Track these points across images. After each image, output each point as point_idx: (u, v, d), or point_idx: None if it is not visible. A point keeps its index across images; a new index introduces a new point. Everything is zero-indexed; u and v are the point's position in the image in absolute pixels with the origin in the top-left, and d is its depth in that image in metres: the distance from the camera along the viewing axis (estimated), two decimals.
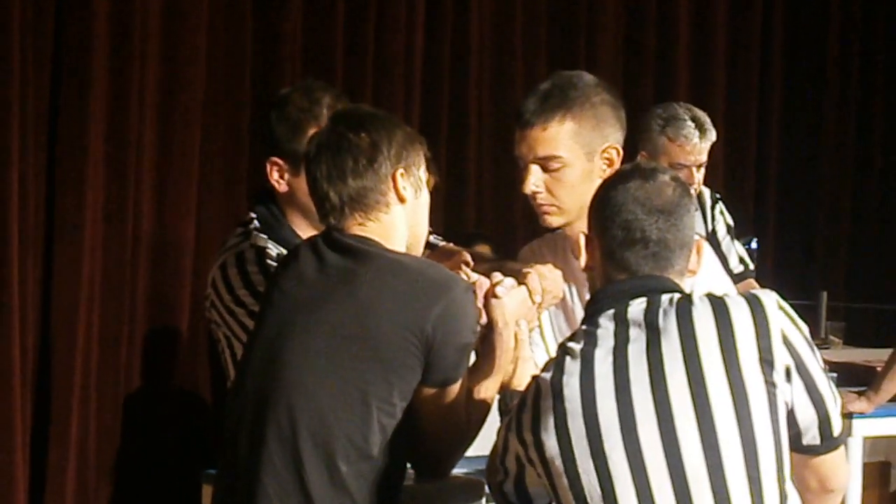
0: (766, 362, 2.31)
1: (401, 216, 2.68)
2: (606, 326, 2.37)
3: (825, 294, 6.32)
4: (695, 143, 4.36)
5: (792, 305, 2.45)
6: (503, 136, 6.56)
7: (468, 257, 2.94)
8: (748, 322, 2.33)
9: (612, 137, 2.96)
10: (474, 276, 2.81)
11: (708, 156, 4.47)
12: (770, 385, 2.31)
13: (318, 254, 2.63)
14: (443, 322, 2.54)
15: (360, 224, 2.64)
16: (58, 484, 5.35)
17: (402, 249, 2.67)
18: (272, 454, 2.54)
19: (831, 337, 6.12)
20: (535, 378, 2.42)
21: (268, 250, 3.13)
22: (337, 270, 2.60)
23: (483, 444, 2.73)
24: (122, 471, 5.52)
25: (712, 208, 4.70)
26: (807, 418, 2.37)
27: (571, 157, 2.92)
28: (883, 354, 4.32)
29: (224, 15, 5.83)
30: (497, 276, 2.81)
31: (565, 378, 2.34)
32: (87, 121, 5.40)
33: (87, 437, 5.40)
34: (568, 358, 2.37)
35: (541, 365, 2.49)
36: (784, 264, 7.48)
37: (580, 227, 2.99)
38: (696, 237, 2.50)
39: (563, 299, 3.03)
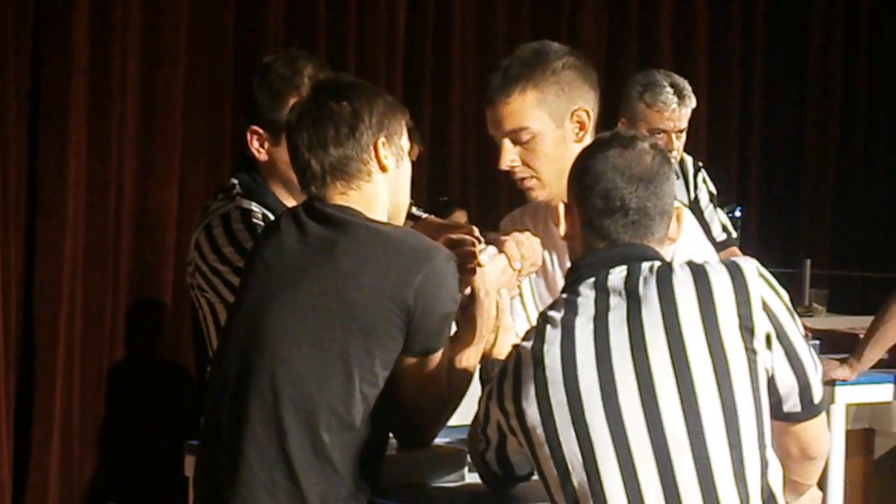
0: (747, 329, 2.31)
1: (382, 185, 2.67)
2: (587, 295, 2.36)
3: (809, 262, 6.33)
4: (673, 108, 4.34)
5: (776, 273, 2.45)
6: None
7: (476, 231, 2.92)
8: (728, 289, 2.32)
9: (581, 100, 2.93)
10: (491, 249, 2.79)
11: (690, 123, 4.46)
12: (750, 352, 2.31)
13: (299, 223, 2.63)
14: (424, 291, 2.54)
15: (341, 193, 2.63)
16: (42, 455, 5.36)
17: (383, 219, 2.66)
18: (254, 424, 2.54)
19: (815, 304, 6.13)
20: (515, 347, 2.42)
21: (254, 211, 3.12)
22: (318, 240, 2.60)
23: (465, 413, 2.73)
24: (106, 443, 5.53)
25: (695, 176, 4.69)
26: (787, 385, 2.37)
27: (540, 127, 2.91)
28: (866, 322, 4.33)
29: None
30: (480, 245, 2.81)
31: (546, 346, 2.34)
32: (68, 93, 5.38)
33: (71, 410, 5.41)
34: (549, 326, 2.36)
35: (521, 333, 2.49)
36: (768, 232, 7.50)
37: (562, 197, 2.99)
38: (677, 204, 2.49)
39: (544, 267, 3.03)
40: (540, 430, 2.32)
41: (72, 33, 5.38)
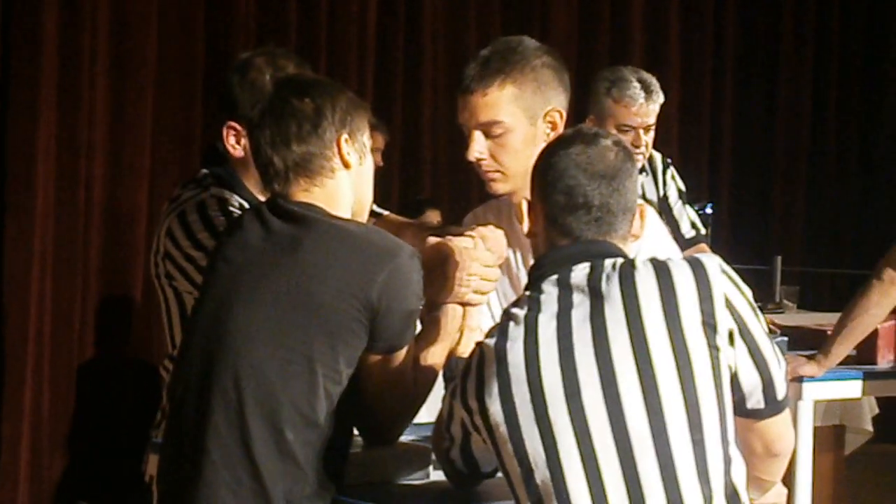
0: (709, 326, 2.31)
1: (346, 182, 2.66)
2: (550, 292, 2.36)
3: (780, 259, 6.34)
4: (640, 103, 4.34)
5: (747, 270, 2.45)
6: (457, 103, 6.55)
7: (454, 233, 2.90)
8: (691, 286, 2.32)
9: (555, 101, 2.94)
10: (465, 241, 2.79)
11: (659, 119, 4.46)
12: (713, 349, 2.31)
13: (262, 220, 2.62)
14: (388, 289, 2.53)
15: (304, 190, 2.62)
16: (11, 454, 5.33)
17: (347, 215, 2.65)
18: (218, 422, 2.53)
19: (785, 301, 6.15)
20: (479, 344, 2.41)
21: (229, 200, 3.10)
22: (281, 237, 2.59)
23: (431, 410, 2.73)
24: (75, 441, 5.51)
25: (664, 173, 4.69)
26: (750, 382, 2.37)
27: (513, 122, 2.90)
28: (835, 318, 4.33)
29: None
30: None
31: (509, 344, 2.33)
32: (37, 88, 5.36)
33: (41, 408, 5.38)
34: (511, 324, 2.36)
35: (486, 330, 2.48)
36: (740, 229, 7.51)
37: (525, 194, 2.98)
38: (640, 202, 2.49)
39: (508, 264, 3.02)
40: (503, 428, 2.32)
41: (41, 30, 5.36)
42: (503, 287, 3.07)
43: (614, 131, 4.36)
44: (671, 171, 4.70)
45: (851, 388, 4.46)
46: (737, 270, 2.42)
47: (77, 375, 5.51)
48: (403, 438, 2.79)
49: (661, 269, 2.34)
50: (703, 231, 4.80)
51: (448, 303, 2.76)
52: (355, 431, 2.69)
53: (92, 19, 5.50)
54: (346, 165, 2.65)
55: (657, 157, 4.63)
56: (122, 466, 5.47)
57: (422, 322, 2.73)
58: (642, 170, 4.47)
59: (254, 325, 2.55)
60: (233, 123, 3.13)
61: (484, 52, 2.93)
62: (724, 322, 2.33)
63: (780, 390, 2.41)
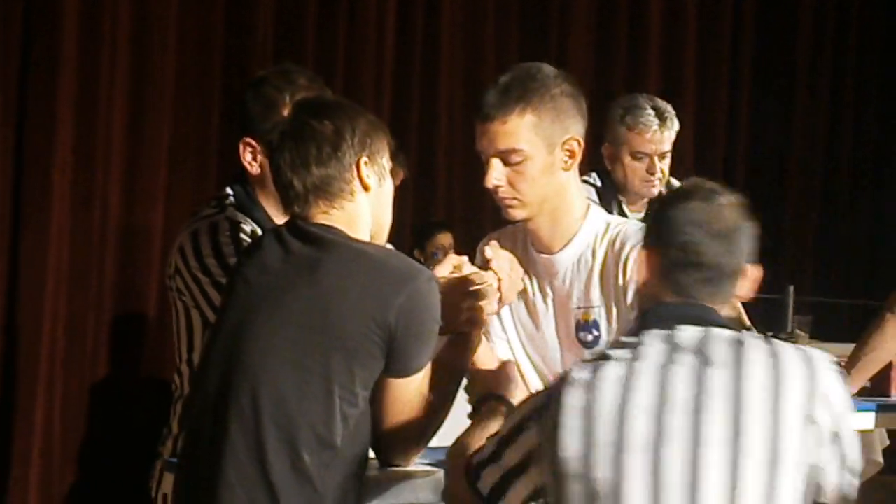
0: (810, 421, 2.28)
1: (364, 204, 2.67)
2: (653, 344, 2.33)
3: (792, 288, 6.33)
4: (654, 129, 4.32)
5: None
6: (473, 129, 6.58)
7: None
8: (800, 378, 2.29)
9: (573, 129, 2.94)
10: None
11: (675, 149, 4.44)
12: (807, 444, 2.28)
13: (281, 242, 2.63)
14: (406, 312, 2.54)
15: (324, 212, 2.63)
16: (22, 470, 5.33)
17: (366, 238, 2.66)
18: (235, 444, 2.53)
19: (798, 331, 6.13)
20: (567, 374, 2.38)
21: (242, 225, 3.11)
22: (300, 259, 2.59)
23: (445, 435, 2.72)
24: (86, 457, 5.51)
25: None
26: (832, 482, 2.34)
27: (532, 151, 2.91)
28: (848, 349, 4.33)
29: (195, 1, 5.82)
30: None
31: (601, 382, 2.31)
32: (55, 106, 5.37)
33: (52, 425, 5.39)
34: (608, 364, 2.33)
35: (502, 356, 2.47)
36: (752, 258, 7.49)
37: (542, 221, 2.99)
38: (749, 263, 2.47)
39: (524, 291, 3.03)
40: (576, 464, 2.29)
41: (59, 47, 5.38)
42: (519, 313, 3.07)
43: (629, 158, 4.36)
44: None
45: (864, 420, 4.45)
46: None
47: (89, 392, 5.51)
48: (421, 462, 2.79)
49: (774, 355, 2.32)
50: None
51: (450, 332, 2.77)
52: (371, 454, 2.70)
53: (111, 37, 5.52)
54: (366, 188, 2.66)
55: (676, 184, 4.62)
56: (133, 482, 5.46)
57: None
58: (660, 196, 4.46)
59: (272, 346, 2.56)
60: (249, 139, 3.15)
61: (504, 79, 2.94)
62: (825, 421, 2.31)
63: (853, 494, 2.39)
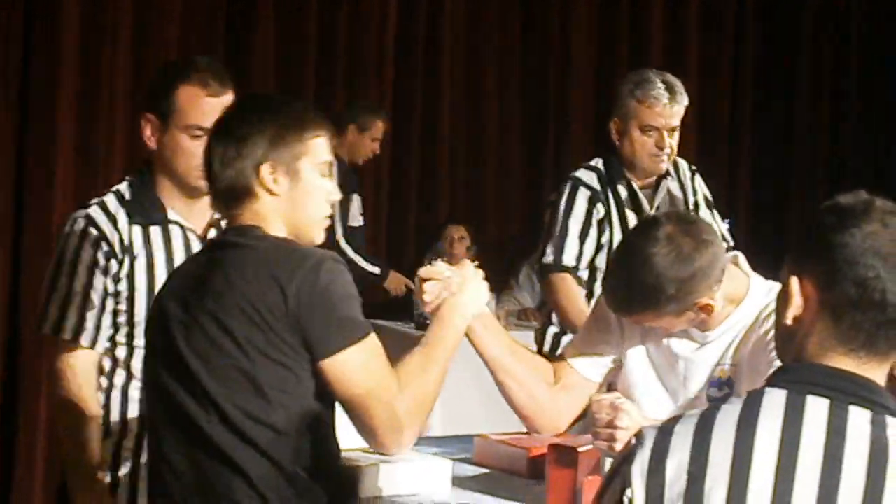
0: None
1: (272, 207, 2.65)
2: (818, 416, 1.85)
3: None
4: (664, 103, 4.28)
5: None
6: (473, 130, 6.65)
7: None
8: None
9: (706, 293, 2.96)
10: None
11: (682, 123, 4.40)
12: None
13: (203, 244, 2.69)
14: (303, 294, 2.50)
15: (233, 212, 2.65)
16: (27, 467, 5.34)
17: (280, 235, 2.65)
18: (176, 442, 2.57)
19: None
20: (676, 420, 1.95)
21: (90, 229, 3.13)
22: (209, 260, 2.63)
23: (453, 425, 2.69)
24: None
25: (691, 179, 4.61)
26: None
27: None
28: None
29: (197, 8, 5.84)
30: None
31: (717, 428, 1.88)
32: (56, 104, 5.38)
33: (56, 425, 5.37)
34: (720, 414, 1.90)
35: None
36: (756, 247, 7.48)
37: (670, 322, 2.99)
38: None
39: (658, 340, 3.06)
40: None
41: (60, 47, 5.38)
42: (658, 356, 3.09)
43: (638, 133, 4.31)
44: (698, 178, 4.62)
45: None
46: None
47: None
48: (426, 452, 2.76)
49: None
50: (731, 243, 4.70)
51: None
52: (349, 443, 2.66)
53: (112, 34, 5.52)
54: (270, 193, 2.63)
55: (683, 163, 4.55)
56: None
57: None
58: (668, 174, 4.41)
59: (198, 347, 2.56)
60: (147, 114, 3.10)
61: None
62: None
63: None
